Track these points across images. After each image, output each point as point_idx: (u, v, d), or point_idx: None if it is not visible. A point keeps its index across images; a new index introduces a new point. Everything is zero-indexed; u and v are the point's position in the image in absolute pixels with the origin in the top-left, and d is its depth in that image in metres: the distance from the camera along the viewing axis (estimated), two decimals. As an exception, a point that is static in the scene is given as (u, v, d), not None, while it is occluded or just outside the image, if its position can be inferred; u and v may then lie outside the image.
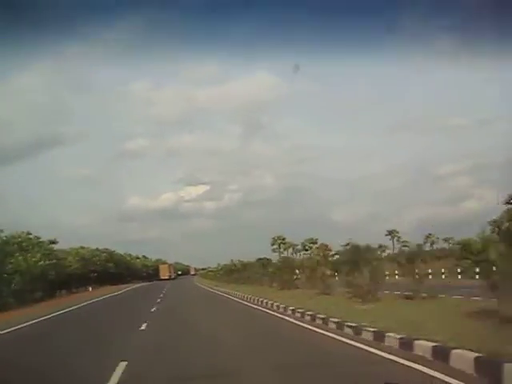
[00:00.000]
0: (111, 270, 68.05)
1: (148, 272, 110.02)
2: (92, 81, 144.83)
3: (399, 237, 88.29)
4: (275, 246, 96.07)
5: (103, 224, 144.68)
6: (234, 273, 48.21)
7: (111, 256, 71.57)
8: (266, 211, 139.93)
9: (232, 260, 60.58)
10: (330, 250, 56.59)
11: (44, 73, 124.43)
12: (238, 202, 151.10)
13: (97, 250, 67.16)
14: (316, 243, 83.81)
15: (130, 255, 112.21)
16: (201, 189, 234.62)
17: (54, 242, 43.09)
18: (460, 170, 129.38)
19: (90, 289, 51.45)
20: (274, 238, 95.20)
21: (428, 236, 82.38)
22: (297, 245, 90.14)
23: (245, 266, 48.92)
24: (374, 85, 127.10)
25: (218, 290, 38.33)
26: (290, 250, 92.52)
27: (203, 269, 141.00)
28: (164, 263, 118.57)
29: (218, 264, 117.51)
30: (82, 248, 63.03)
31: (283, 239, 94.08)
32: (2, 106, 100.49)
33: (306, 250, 79.94)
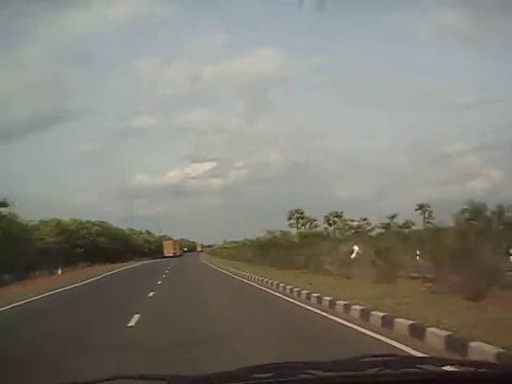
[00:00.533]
0: (104, 245, 58.09)
1: (151, 248, 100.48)
2: (98, 57, 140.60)
3: (431, 211, 78.68)
4: (292, 221, 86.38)
5: (109, 201, 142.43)
6: (272, 250, 28.69)
7: (105, 229, 61.47)
8: (272, 188, 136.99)
9: (270, 231, 40.97)
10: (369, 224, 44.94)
11: (47, 47, 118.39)
12: (244, 178, 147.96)
13: (88, 222, 57.32)
14: (341, 217, 74.05)
15: (132, 230, 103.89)
16: (207, 166, 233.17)
17: (4, 205, 31.94)
18: (467, 148, 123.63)
19: (60, 271, 38.76)
20: (291, 212, 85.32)
21: (463, 210, 72.71)
22: (315, 219, 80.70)
23: (304, 239, 33.12)
24: (381, 61, 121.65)
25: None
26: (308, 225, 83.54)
27: (209, 246, 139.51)
28: (169, 239, 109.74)
29: (225, 241, 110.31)
30: (73, 220, 53.11)
31: (301, 213, 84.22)
32: (5, 79, 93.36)
33: (330, 225, 69.79)
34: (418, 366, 1.85)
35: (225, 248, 78.91)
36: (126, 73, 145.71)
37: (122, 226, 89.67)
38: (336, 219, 71.07)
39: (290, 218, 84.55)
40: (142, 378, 1.80)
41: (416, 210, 78.48)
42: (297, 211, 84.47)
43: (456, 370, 1.96)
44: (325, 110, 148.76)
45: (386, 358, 1.97)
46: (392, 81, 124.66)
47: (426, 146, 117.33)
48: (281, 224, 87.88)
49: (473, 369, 1.88)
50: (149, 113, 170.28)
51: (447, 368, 1.99)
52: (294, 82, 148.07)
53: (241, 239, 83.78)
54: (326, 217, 68.77)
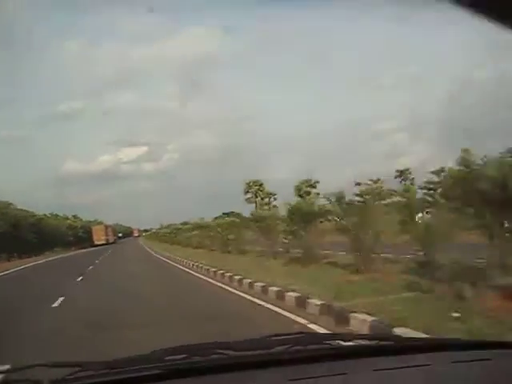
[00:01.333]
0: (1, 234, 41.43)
1: (77, 235, 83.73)
2: (21, 39, 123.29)
3: (413, 178, 67.22)
4: (249, 196, 72.42)
5: (38, 189, 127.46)
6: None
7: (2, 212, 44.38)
8: (207, 171, 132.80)
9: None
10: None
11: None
12: (177, 162, 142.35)
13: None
14: (315, 187, 60.68)
15: (56, 215, 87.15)
16: (139, 150, 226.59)
17: None
18: (397, 126, 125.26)
19: None
20: (247, 184, 71.37)
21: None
22: (274, 194, 67.49)
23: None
24: (314, 40, 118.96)
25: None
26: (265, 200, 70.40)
27: (146, 230, 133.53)
28: (99, 224, 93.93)
29: (161, 224, 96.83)
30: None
31: (260, 185, 70.40)
32: None
33: (301, 197, 56.08)
34: (325, 342, 1.88)
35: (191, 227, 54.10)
36: (52, 55, 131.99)
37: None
38: (310, 190, 57.27)
39: (247, 192, 70.80)
40: (56, 365, 1.77)
41: (396, 177, 66.98)
42: (255, 183, 70.48)
43: (361, 344, 1.96)
44: (260, 90, 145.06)
45: (295, 336, 2.01)
46: (327, 61, 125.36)
47: (359, 124, 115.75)
48: (219, 208, 75.82)
49: (376, 342, 1.92)
50: (78, 97, 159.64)
51: (354, 342, 1.98)
52: (229, 63, 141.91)
53: (178, 222, 68.97)
54: (297, 187, 54.68)
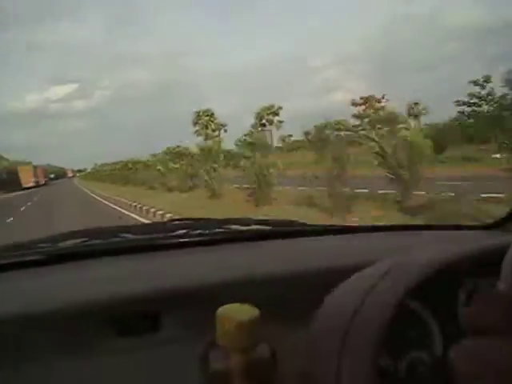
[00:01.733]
0: None
1: (1, 178, 74.15)
2: None
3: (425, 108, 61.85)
4: (198, 128, 63.99)
5: None
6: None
7: None
8: (143, 107, 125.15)
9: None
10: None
11: None
12: (111, 99, 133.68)
13: None
14: (278, 114, 53.62)
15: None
16: (69, 88, 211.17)
17: None
18: (329, 62, 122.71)
19: None
20: (197, 114, 62.77)
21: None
22: (225, 125, 60.02)
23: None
24: None
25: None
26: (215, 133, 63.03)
27: (79, 170, 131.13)
28: (27, 164, 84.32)
29: (95, 164, 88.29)
30: None
31: (211, 115, 62.06)
32: None
33: (263, 125, 49.01)
34: (227, 226, 1.91)
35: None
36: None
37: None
38: (272, 118, 49.88)
39: (195, 123, 62.68)
40: None
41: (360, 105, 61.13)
42: (205, 112, 62.28)
43: (261, 228, 1.96)
44: (195, 25, 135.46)
45: (196, 221, 2.05)
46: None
47: (295, 58, 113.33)
48: (160, 145, 68.87)
49: (271, 227, 1.95)
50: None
51: (252, 227, 1.98)
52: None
53: (111, 162, 59.42)
54: (258, 114, 47.26)
